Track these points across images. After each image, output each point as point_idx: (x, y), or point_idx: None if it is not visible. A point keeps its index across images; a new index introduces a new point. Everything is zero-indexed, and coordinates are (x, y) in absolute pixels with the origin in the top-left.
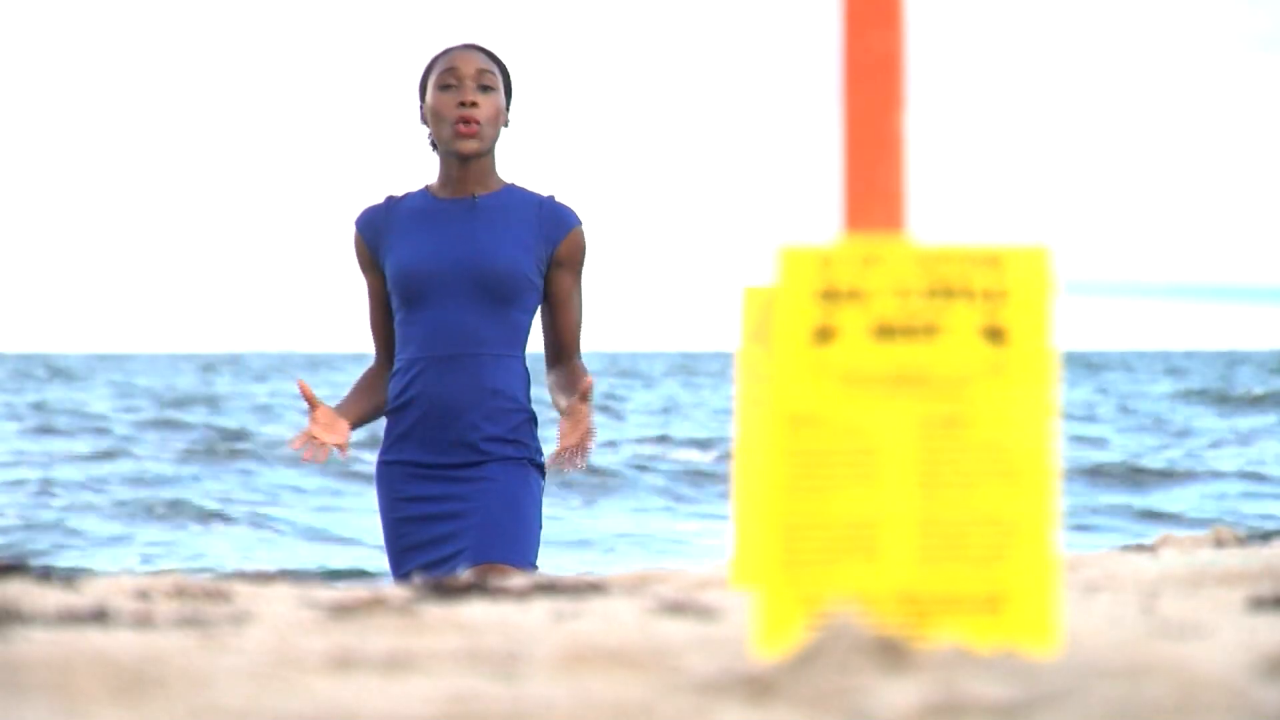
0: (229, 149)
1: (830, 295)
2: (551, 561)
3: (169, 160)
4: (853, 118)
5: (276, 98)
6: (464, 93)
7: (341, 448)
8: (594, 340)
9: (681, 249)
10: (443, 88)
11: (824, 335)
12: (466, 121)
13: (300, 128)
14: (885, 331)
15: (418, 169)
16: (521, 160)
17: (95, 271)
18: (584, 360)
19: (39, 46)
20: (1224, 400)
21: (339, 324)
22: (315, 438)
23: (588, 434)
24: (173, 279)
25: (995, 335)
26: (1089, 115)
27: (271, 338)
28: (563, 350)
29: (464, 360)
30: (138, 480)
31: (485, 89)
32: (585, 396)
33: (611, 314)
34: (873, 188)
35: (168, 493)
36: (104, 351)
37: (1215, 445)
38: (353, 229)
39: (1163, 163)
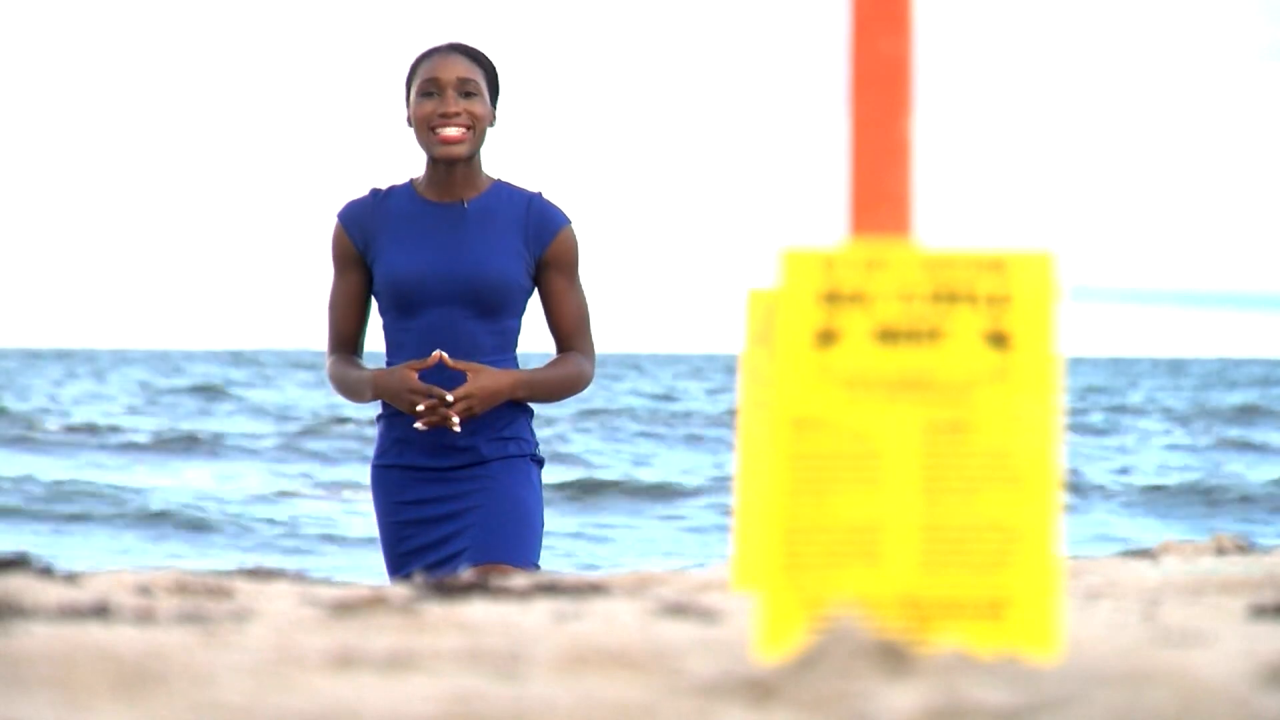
0: (226, 146)
1: (833, 298)
2: None
3: (164, 156)
4: (860, 122)
5: (273, 97)
6: (445, 103)
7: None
8: (599, 341)
9: (688, 252)
10: (424, 95)
11: (827, 338)
12: (449, 131)
13: (296, 124)
14: (888, 335)
15: (407, 165)
16: (529, 161)
17: (95, 271)
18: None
19: (39, 46)
20: None
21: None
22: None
23: (471, 398)
24: (170, 277)
25: (999, 340)
26: (1096, 121)
27: (277, 336)
28: (562, 342)
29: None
30: None
31: (467, 95)
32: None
33: (613, 315)
34: (880, 192)
35: None
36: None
37: None
38: (335, 222)
39: (1169, 170)
